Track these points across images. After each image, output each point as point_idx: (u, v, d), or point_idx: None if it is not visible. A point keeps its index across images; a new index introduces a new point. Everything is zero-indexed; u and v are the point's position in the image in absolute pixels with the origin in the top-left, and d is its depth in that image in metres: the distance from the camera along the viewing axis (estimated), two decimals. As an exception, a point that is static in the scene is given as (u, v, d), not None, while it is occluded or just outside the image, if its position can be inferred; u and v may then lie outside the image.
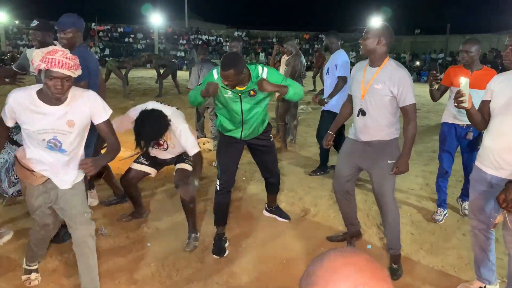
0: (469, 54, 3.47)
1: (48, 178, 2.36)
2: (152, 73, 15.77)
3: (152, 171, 3.54)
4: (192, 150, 3.16)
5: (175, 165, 3.45)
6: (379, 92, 2.71)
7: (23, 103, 2.18)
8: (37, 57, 2.07)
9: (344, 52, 4.87)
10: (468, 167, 3.75)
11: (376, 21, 24.57)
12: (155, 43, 27.38)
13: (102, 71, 4.33)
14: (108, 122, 2.39)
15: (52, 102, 2.18)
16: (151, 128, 3.04)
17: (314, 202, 4.23)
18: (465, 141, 3.66)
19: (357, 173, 3.09)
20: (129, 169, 3.50)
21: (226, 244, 3.23)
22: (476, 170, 2.52)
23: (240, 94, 2.95)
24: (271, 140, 3.40)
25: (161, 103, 3.37)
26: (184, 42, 30.43)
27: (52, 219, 2.52)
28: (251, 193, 4.41)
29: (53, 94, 2.12)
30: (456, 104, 2.32)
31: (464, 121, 3.52)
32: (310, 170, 5.21)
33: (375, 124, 2.79)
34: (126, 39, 29.36)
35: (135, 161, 3.52)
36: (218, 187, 3.22)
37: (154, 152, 3.46)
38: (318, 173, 5.08)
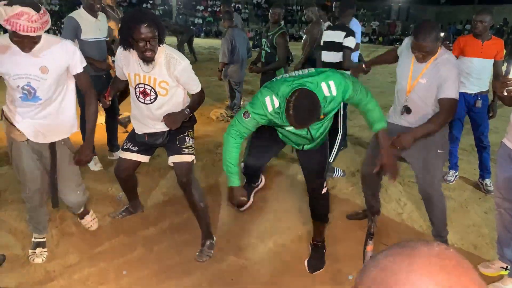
0: (483, 24, 3.58)
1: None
2: (168, 40, 15.61)
3: (143, 158, 2.85)
4: (198, 87, 2.65)
5: (168, 155, 2.74)
6: (425, 88, 2.53)
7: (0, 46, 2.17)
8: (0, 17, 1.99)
9: (355, 19, 4.72)
10: (479, 138, 3.81)
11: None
12: (173, 9, 26.99)
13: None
14: (84, 74, 2.44)
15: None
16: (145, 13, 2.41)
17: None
18: (474, 109, 3.78)
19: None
20: (120, 160, 2.87)
21: (261, 185, 3.23)
22: (503, 147, 2.46)
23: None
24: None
25: None
26: (202, 8, 29.94)
27: (40, 180, 2.51)
28: (269, 164, 4.36)
29: (22, 50, 2.15)
30: (506, 93, 2.14)
31: (472, 89, 3.72)
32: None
33: (418, 122, 2.60)
34: (144, 5, 28.99)
35: (123, 149, 2.83)
36: (242, 168, 2.76)
37: (138, 108, 2.67)
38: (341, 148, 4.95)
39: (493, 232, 2.98)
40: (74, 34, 3.53)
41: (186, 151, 2.69)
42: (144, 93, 2.57)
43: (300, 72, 2.30)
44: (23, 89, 2.23)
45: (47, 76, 2.25)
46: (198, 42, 13.76)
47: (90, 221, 2.96)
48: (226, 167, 2.35)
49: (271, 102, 2.21)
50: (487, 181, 3.87)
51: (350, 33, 3.89)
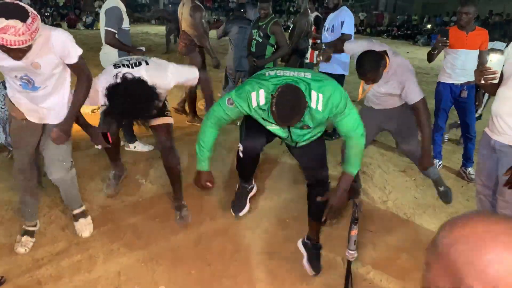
0: (468, 15, 3.63)
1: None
2: (157, 29, 15.47)
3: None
4: (194, 76, 2.72)
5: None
6: (382, 93, 2.85)
7: None
8: None
9: (348, 9, 4.71)
10: (465, 128, 3.89)
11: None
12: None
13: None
14: (79, 62, 2.27)
15: None
16: (135, 105, 2.38)
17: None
18: (460, 99, 3.85)
19: (376, 134, 3.23)
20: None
21: (253, 192, 3.08)
22: (484, 135, 2.53)
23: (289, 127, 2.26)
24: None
25: (129, 56, 2.79)
26: (190, -3, 29.58)
27: (29, 165, 2.49)
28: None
29: (12, 58, 2.01)
30: (483, 82, 2.21)
31: (459, 80, 3.81)
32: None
33: (386, 105, 2.97)
34: (131, -7, 28.57)
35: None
36: (240, 153, 2.59)
37: None
38: (334, 137, 4.95)
39: (474, 218, 3.07)
40: (118, 23, 3.67)
41: (168, 114, 2.91)
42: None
43: (296, 73, 2.18)
44: (22, 79, 2.19)
45: (40, 71, 2.17)
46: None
47: (85, 225, 2.77)
48: (199, 150, 2.38)
49: (256, 98, 2.14)
50: (470, 170, 3.97)
51: None
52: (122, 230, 2.86)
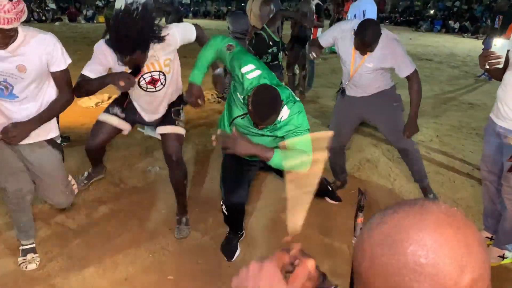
0: None
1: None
2: (158, 21, 15.37)
3: (125, 126, 2.65)
4: (191, 29, 2.52)
5: (157, 125, 2.66)
6: (370, 69, 2.73)
7: None
8: None
9: None
10: None
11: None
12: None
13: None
14: (65, 72, 2.14)
15: None
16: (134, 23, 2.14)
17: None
18: None
19: (357, 126, 3.19)
20: (98, 124, 2.59)
21: (243, 237, 2.75)
22: (489, 121, 2.51)
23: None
24: None
25: None
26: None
27: (23, 181, 2.21)
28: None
29: None
30: (488, 66, 2.20)
31: None
32: (320, 121, 5.17)
33: (367, 90, 2.87)
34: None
35: (107, 111, 2.61)
36: (225, 211, 2.49)
37: (144, 101, 2.57)
38: None
39: (479, 204, 3.08)
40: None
41: (180, 124, 2.66)
42: (153, 81, 2.44)
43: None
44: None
45: (25, 75, 1.99)
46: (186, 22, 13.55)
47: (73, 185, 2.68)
48: (197, 60, 2.37)
49: (250, 70, 2.16)
50: None
51: None
52: (129, 222, 2.89)
